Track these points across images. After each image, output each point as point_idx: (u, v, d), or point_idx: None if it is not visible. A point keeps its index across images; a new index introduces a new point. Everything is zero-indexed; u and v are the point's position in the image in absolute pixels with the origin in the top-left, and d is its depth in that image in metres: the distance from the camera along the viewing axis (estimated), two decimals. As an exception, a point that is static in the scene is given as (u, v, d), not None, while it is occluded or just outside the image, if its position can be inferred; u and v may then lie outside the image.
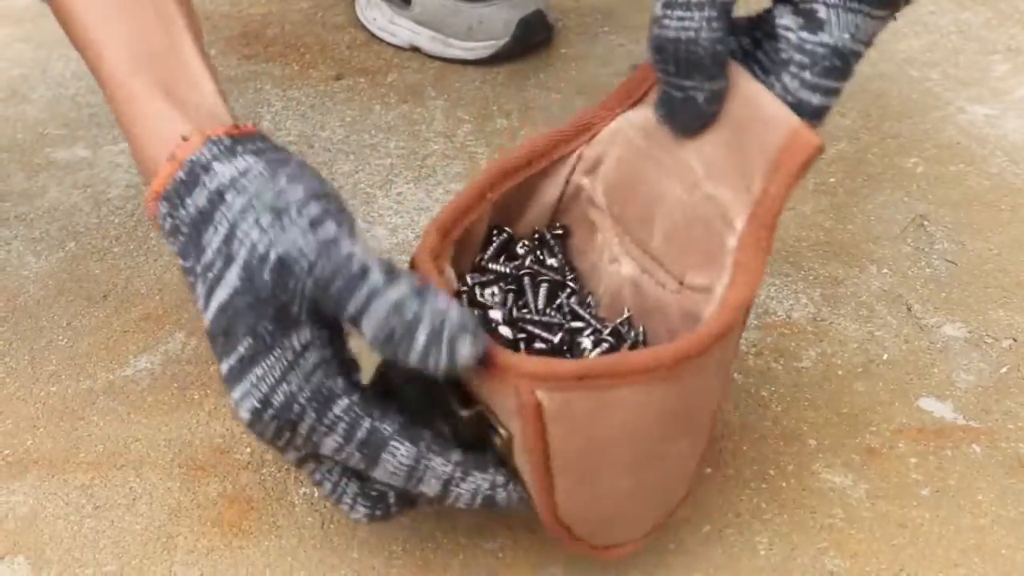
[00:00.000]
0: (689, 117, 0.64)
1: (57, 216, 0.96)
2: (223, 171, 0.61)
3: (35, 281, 0.90)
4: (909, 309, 0.86)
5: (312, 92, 1.11)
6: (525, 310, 0.70)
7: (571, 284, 0.72)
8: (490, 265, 0.71)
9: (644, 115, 0.68)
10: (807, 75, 0.61)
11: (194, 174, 0.61)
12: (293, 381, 0.60)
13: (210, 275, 0.60)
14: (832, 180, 0.99)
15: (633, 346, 0.69)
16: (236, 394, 0.61)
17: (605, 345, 0.68)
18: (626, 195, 0.69)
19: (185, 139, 0.62)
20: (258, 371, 0.60)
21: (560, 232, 0.73)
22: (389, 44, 1.18)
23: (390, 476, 0.62)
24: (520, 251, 0.71)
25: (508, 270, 0.70)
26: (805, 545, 0.70)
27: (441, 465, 0.62)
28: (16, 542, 0.71)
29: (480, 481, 0.63)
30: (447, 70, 1.15)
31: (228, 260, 0.60)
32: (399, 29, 1.17)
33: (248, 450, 0.76)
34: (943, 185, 0.98)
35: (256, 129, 0.64)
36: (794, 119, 0.61)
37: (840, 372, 0.81)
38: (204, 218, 0.61)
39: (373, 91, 1.11)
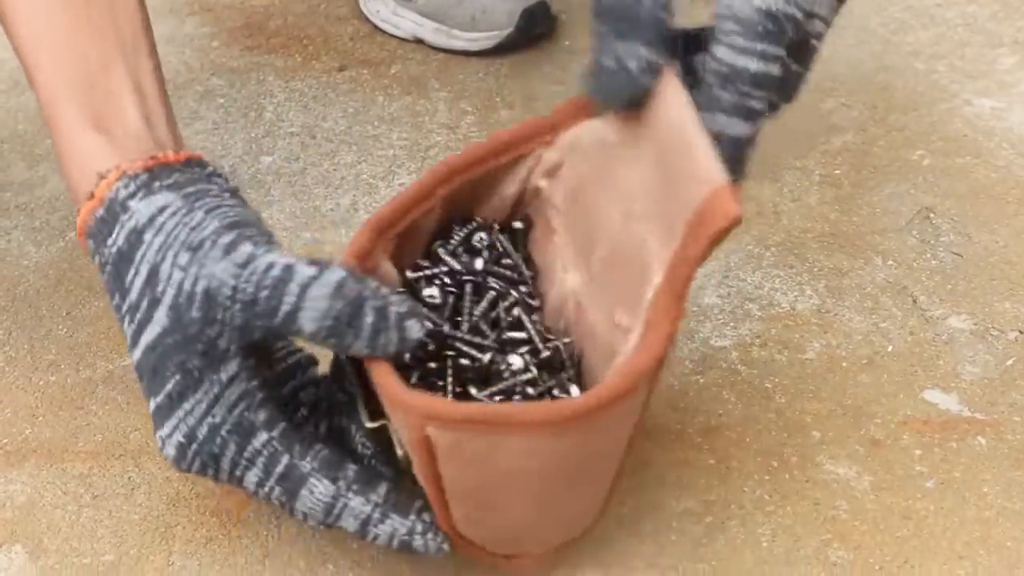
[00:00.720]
0: (618, 86, 0.60)
1: (58, 206, 0.96)
2: (140, 209, 0.61)
3: (35, 271, 0.89)
4: (914, 301, 0.86)
5: (315, 83, 1.11)
6: (460, 317, 0.67)
7: (519, 293, 0.69)
8: (444, 256, 0.68)
9: (602, 125, 0.66)
10: (739, 40, 0.59)
11: (113, 212, 0.61)
12: (218, 414, 0.61)
13: (137, 315, 0.60)
14: (838, 172, 0.98)
15: (558, 369, 0.67)
16: (164, 431, 0.61)
17: (532, 371, 0.65)
18: (578, 207, 0.68)
19: (103, 176, 0.62)
20: (186, 406, 0.60)
21: (521, 226, 0.71)
22: (392, 36, 1.18)
23: (308, 511, 0.62)
24: (477, 244, 0.69)
25: (458, 266, 0.68)
26: (808, 537, 0.70)
27: (360, 505, 0.62)
28: (14, 531, 0.71)
29: (398, 525, 0.62)
30: (450, 62, 1.14)
31: (153, 301, 0.60)
32: (402, 21, 1.16)
33: (248, 440, 0.76)
34: (949, 177, 0.97)
35: (182, 155, 0.64)
36: (718, 175, 0.57)
37: (844, 364, 0.81)
38: (124, 258, 0.61)
39: (376, 82, 1.11)
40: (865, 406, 0.78)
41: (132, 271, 0.60)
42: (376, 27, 1.19)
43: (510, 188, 0.69)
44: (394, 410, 0.59)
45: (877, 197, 0.96)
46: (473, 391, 0.64)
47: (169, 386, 0.60)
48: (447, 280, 0.68)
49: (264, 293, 0.58)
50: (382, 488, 0.63)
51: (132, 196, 0.61)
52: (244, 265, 0.58)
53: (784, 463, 0.74)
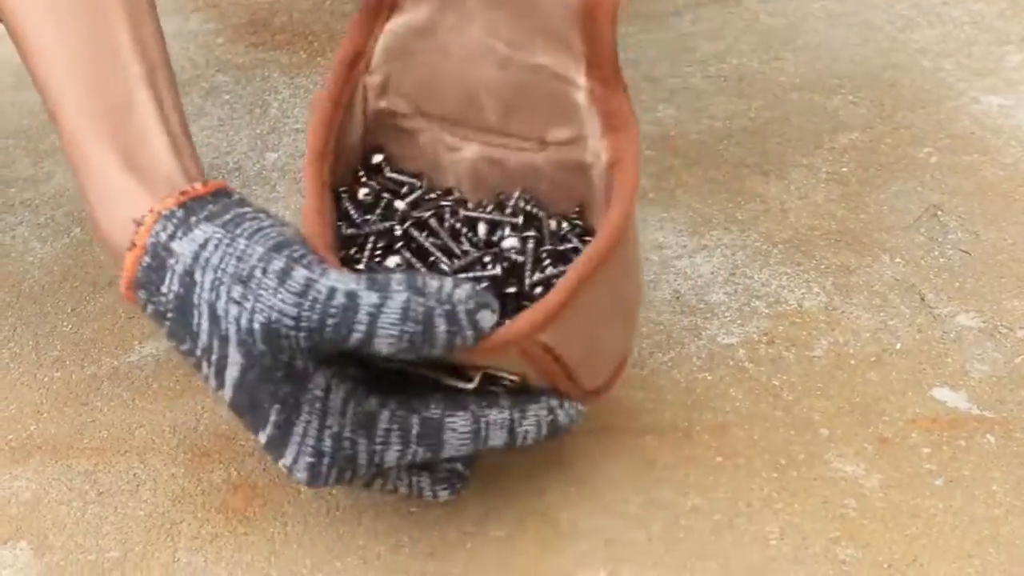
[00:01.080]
0: None
1: (62, 202, 0.96)
2: (183, 250, 0.59)
3: (40, 267, 0.89)
4: (922, 299, 0.85)
5: (320, 80, 1.10)
6: (438, 258, 0.69)
7: (448, 200, 0.72)
8: (366, 228, 0.70)
9: (407, 19, 0.68)
10: None
11: (159, 257, 0.60)
12: (333, 423, 0.60)
13: (213, 357, 0.60)
14: (844, 169, 0.98)
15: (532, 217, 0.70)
16: (287, 460, 0.61)
17: (524, 235, 0.69)
18: (433, 94, 0.69)
19: (139, 224, 0.61)
20: (298, 430, 0.60)
21: (382, 156, 0.73)
22: (398, 32, 1.17)
23: (458, 449, 0.62)
24: (365, 199, 0.71)
25: (386, 224, 0.70)
26: (817, 535, 0.69)
27: (498, 414, 0.63)
28: (19, 527, 0.71)
29: (538, 411, 0.64)
30: (456, 58, 1.14)
31: (223, 340, 0.59)
32: (408, 17, 1.16)
33: (253, 437, 0.75)
34: (957, 175, 0.97)
35: (211, 186, 0.63)
36: None
37: (852, 361, 0.80)
38: (184, 303, 0.60)
39: (381, 79, 1.11)
40: (873, 404, 0.77)
41: (196, 314, 0.59)
42: (381, 24, 1.18)
43: (355, 131, 0.71)
44: (499, 352, 0.60)
45: (884, 195, 0.95)
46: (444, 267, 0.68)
47: (273, 417, 0.60)
48: (390, 240, 0.69)
49: (331, 321, 0.57)
50: (503, 397, 0.64)
51: (172, 238, 0.60)
52: (303, 293, 0.57)
53: (792, 461, 0.74)
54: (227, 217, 0.61)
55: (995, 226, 0.92)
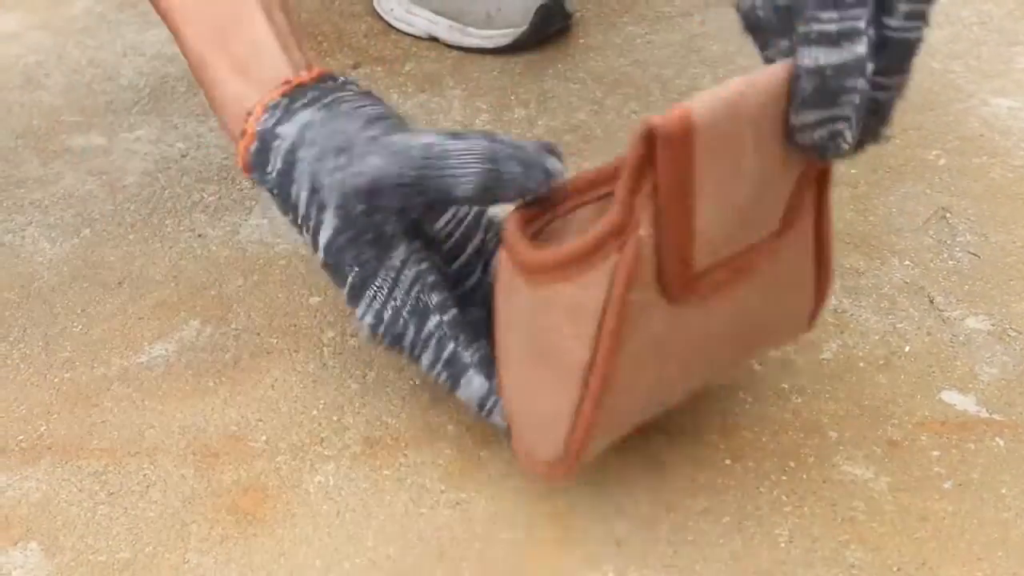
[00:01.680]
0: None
1: (72, 203, 0.96)
2: (287, 132, 0.68)
3: (49, 267, 0.89)
4: (931, 301, 0.85)
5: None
6: None
7: None
8: None
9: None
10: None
11: (265, 142, 0.69)
12: (398, 297, 0.68)
13: (310, 223, 0.68)
14: (853, 171, 0.98)
15: None
16: (359, 312, 0.69)
17: None
18: None
19: (249, 114, 0.69)
20: (369, 293, 0.68)
21: None
22: (406, 34, 1.17)
23: (466, 401, 0.69)
24: None
25: None
26: (826, 538, 0.69)
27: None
28: (29, 528, 0.71)
29: None
30: (465, 59, 1.14)
31: (321, 207, 0.67)
32: (416, 18, 1.16)
33: (263, 438, 0.75)
34: (966, 177, 0.97)
35: (315, 72, 0.71)
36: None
37: (862, 364, 0.80)
38: (286, 178, 0.68)
39: (391, 80, 1.11)
40: (882, 407, 0.77)
41: (295, 187, 0.68)
42: (389, 25, 1.19)
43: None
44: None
45: (893, 197, 0.95)
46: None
47: (351, 278, 0.69)
48: None
49: (428, 171, 0.65)
50: None
51: (279, 123, 0.68)
52: (401, 152, 0.65)
53: (801, 463, 0.74)
54: (327, 100, 0.69)
55: (1004, 229, 0.92)
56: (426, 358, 0.69)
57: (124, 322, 0.84)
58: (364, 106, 0.69)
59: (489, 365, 0.68)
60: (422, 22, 1.16)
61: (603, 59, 1.14)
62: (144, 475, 0.74)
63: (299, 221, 0.69)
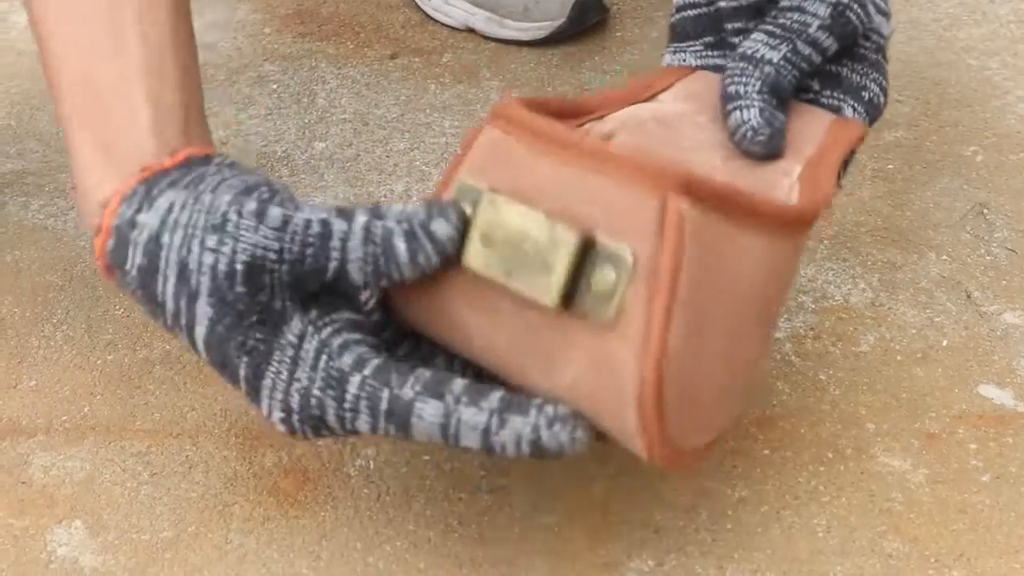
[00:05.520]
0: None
1: (113, 188, 0.96)
2: (147, 220, 0.60)
3: (92, 251, 0.90)
4: (968, 296, 0.85)
5: (367, 71, 1.11)
6: None
7: None
8: None
9: (656, 107, 0.71)
10: None
11: (122, 235, 0.60)
12: (303, 377, 0.59)
13: (182, 320, 0.60)
14: (890, 167, 0.98)
15: None
16: (264, 411, 0.61)
17: None
18: None
19: (104, 206, 0.61)
20: (267, 383, 0.60)
21: None
22: (443, 25, 1.18)
23: (427, 439, 0.58)
24: None
25: None
26: (864, 528, 0.70)
27: (474, 415, 0.57)
28: (73, 506, 0.72)
29: (520, 426, 0.56)
30: (502, 51, 1.14)
31: (192, 297, 0.59)
32: (454, 10, 1.17)
33: (304, 421, 0.76)
34: (1003, 173, 0.97)
35: (179, 156, 0.63)
36: (831, 115, 0.72)
37: (899, 357, 0.81)
38: (149, 273, 0.60)
39: (428, 71, 1.11)
40: (920, 399, 0.78)
41: (160, 280, 0.60)
42: (427, 16, 1.19)
43: None
44: (640, 191, 0.54)
45: (930, 192, 0.95)
46: None
47: (242, 371, 0.59)
48: None
49: (310, 251, 0.59)
50: (494, 394, 0.57)
51: (138, 211, 0.60)
52: (282, 228, 0.59)
53: (839, 454, 0.74)
54: (189, 179, 0.61)
55: (1042, 225, 0.92)
56: (363, 423, 0.59)
57: (165, 306, 0.85)
58: (230, 178, 0.61)
59: (438, 384, 0.58)
60: (460, 13, 1.16)
61: (639, 53, 1.14)
62: (186, 456, 0.75)
63: (169, 321, 0.60)
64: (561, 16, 1.12)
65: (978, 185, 0.96)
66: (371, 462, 0.73)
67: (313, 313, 0.60)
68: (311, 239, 0.59)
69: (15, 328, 0.84)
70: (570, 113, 0.68)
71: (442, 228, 0.58)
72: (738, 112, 0.68)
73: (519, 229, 0.57)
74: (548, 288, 0.56)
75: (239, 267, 0.58)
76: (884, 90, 0.74)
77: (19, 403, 0.78)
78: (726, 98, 0.69)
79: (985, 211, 0.93)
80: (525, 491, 0.72)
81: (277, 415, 0.60)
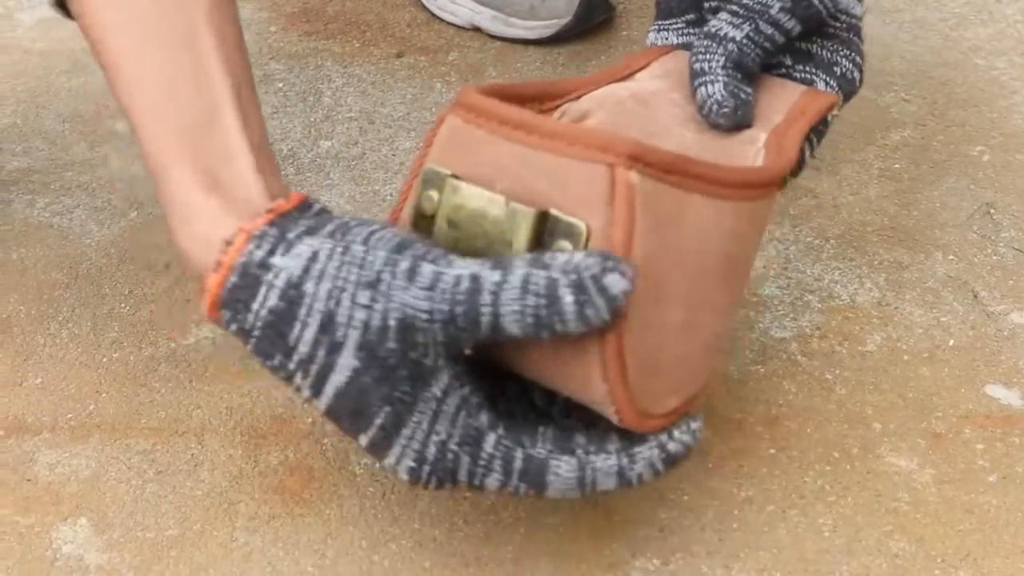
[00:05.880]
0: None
1: (119, 186, 0.97)
2: (288, 265, 0.58)
3: (97, 249, 0.90)
4: (975, 296, 0.85)
5: (373, 69, 1.11)
6: None
7: None
8: None
9: (634, 86, 0.73)
10: None
11: (249, 276, 0.59)
12: (442, 430, 0.59)
13: (314, 367, 0.59)
14: (897, 166, 0.98)
15: None
16: (390, 460, 0.60)
17: None
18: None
19: (229, 243, 0.59)
20: (406, 432, 0.59)
21: None
22: (449, 24, 1.18)
23: (564, 493, 0.61)
24: None
25: None
26: (870, 528, 0.70)
27: (605, 462, 0.61)
28: (79, 504, 0.71)
29: (648, 453, 0.61)
30: (507, 50, 1.14)
31: (334, 347, 0.58)
32: (460, 8, 1.17)
33: (309, 420, 0.76)
34: (1010, 173, 0.97)
35: (294, 200, 0.62)
36: (803, 87, 0.74)
37: (905, 357, 0.80)
38: (284, 317, 0.58)
39: (434, 69, 1.11)
40: (926, 399, 0.77)
41: (297, 326, 0.58)
42: (433, 14, 1.19)
43: None
44: (591, 161, 0.56)
45: (937, 192, 0.95)
46: None
47: (379, 420, 0.59)
48: None
49: (460, 309, 0.56)
50: (612, 437, 0.61)
51: (272, 253, 0.59)
52: (432, 287, 0.57)
53: (845, 454, 0.74)
54: (330, 228, 0.60)
55: (1049, 225, 0.92)
56: (493, 480, 0.60)
57: (171, 304, 0.85)
58: (378, 231, 0.60)
59: (565, 440, 0.61)
60: (465, 12, 1.16)
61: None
62: (192, 454, 0.74)
63: (293, 367, 0.59)
64: (567, 14, 1.12)
65: (985, 185, 0.96)
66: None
67: (459, 369, 0.60)
68: (460, 296, 0.56)
69: (20, 326, 0.84)
70: (547, 95, 0.70)
71: (616, 283, 0.55)
72: (704, 87, 0.71)
73: (479, 210, 0.59)
74: None
75: (392, 324, 0.57)
76: (858, 66, 0.77)
77: (24, 401, 0.78)
78: (693, 75, 0.72)
79: (992, 211, 0.93)
80: (531, 490, 0.72)
81: (407, 464, 0.60)
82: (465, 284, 0.56)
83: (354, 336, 0.57)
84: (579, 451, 0.60)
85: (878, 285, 0.86)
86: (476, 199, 0.59)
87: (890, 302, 0.85)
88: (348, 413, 0.59)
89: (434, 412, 0.59)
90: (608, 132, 0.58)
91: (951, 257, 0.89)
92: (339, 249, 0.58)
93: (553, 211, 0.57)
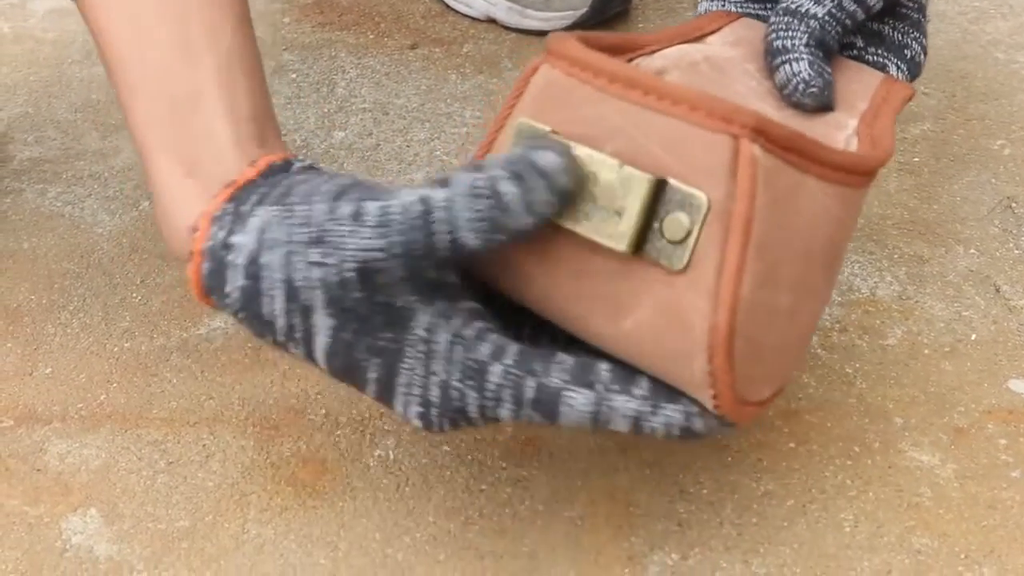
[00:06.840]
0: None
1: (131, 176, 0.96)
2: (242, 241, 0.57)
3: (109, 239, 0.89)
4: (997, 290, 0.84)
5: (387, 61, 1.10)
6: None
7: None
8: None
9: (707, 49, 0.70)
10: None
11: (217, 259, 0.57)
12: (439, 370, 0.57)
13: (297, 335, 0.58)
14: (916, 160, 0.97)
15: None
16: (399, 410, 0.59)
17: None
18: None
19: (196, 230, 0.58)
20: (403, 379, 0.58)
21: None
22: (464, 15, 1.17)
23: (575, 425, 0.57)
24: None
25: None
26: (892, 523, 0.69)
27: (625, 403, 0.56)
28: (89, 495, 0.71)
29: (672, 413, 0.56)
30: (523, 41, 1.13)
31: (306, 311, 0.57)
32: (475, 0, 1.16)
33: (323, 411, 0.75)
34: (1031, 167, 0.96)
35: (260, 164, 0.60)
36: (879, 73, 0.72)
37: (927, 351, 0.79)
38: (252, 295, 0.57)
39: (448, 61, 1.10)
40: (948, 394, 0.76)
41: (266, 301, 0.57)
42: (448, 6, 1.18)
43: None
44: (713, 131, 0.53)
45: (957, 185, 0.94)
46: None
47: (372, 373, 0.58)
48: None
49: (416, 235, 0.54)
50: (643, 381, 0.57)
51: (231, 233, 0.57)
52: (382, 223, 0.55)
53: (866, 448, 0.73)
54: (277, 192, 0.58)
55: (1071, 219, 0.91)
56: (505, 411, 0.57)
57: (183, 294, 0.84)
58: (318, 184, 0.58)
59: (585, 372, 0.57)
60: (480, 3, 1.15)
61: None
62: (203, 445, 0.74)
63: (280, 338, 0.58)
64: (583, 6, 1.11)
65: (1006, 179, 0.94)
66: (391, 452, 0.72)
67: (440, 305, 0.58)
68: (414, 222, 0.54)
69: (31, 315, 0.83)
70: (619, 48, 0.66)
71: (549, 159, 0.53)
72: (787, 66, 0.68)
73: (589, 173, 0.54)
74: (620, 233, 0.54)
75: (350, 276, 0.55)
76: (924, 49, 0.75)
77: (35, 390, 0.77)
78: (772, 53, 0.69)
79: (1013, 205, 0.92)
80: (547, 483, 0.71)
81: (415, 410, 0.58)
82: (416, 208, 0.54)
83: (319, 296, 0.56)
84: (599, 386, 0.56)
85: (899, 279, 0.85)
86: (585, 160, 0.55)
87: (911, 296, 0.84)
88: (345, 371, 0.58)
89: (425, 353, 0.57)
90: (731, 101, 0.53)
91: (972, 251, 0.88)
92: (284, 213, 0.57)
93: (672, 180, 0.53)
